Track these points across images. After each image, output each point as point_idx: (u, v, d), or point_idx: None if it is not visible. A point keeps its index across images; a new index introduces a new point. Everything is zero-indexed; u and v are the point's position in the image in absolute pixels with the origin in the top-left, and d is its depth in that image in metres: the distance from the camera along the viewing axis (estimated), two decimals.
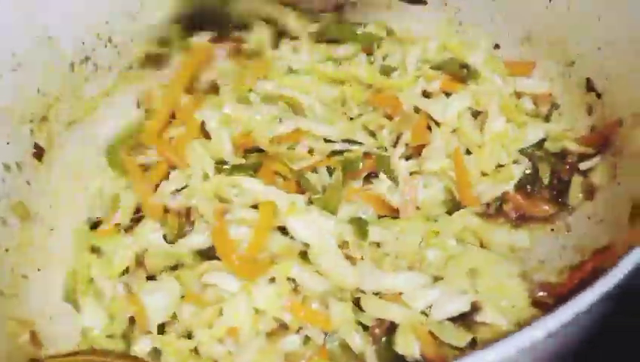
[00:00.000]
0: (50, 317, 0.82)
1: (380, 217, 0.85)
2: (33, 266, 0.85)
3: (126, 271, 0.78)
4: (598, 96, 0.88)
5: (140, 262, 0.76)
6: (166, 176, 0.91)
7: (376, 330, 0.70)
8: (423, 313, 0.71)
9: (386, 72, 1.01)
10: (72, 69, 0.98)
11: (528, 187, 0.86)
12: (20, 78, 0.89)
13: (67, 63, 0.97)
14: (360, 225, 0.78)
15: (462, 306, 0.71)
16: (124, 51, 1.04)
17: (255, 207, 0.78)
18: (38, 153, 0.93)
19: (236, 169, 0.84)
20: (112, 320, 0.74)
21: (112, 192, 0.89)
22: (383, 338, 0.70)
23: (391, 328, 0.71)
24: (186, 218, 0.81)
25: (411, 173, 0.88)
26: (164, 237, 0.81)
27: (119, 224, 0.84)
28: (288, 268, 0.72)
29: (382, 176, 0.87)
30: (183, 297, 0.73)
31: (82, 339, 0.74)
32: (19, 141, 0.90)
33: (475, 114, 0.94)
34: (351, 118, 0.97)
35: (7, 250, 0.82)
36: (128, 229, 0.82)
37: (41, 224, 0.90)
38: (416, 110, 0.94)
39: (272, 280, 0.74)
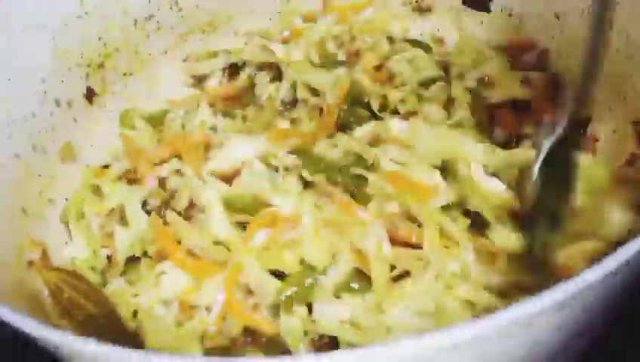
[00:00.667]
0: (66, 242, 0.91)
1: None
2: (61, 194, 0.94)
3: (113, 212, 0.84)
4: None
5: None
6: None
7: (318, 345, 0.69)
8: None
9: None
10: (135, 24, 1.06)
11: None
12: (84, 26, 0.98)
13: (131, 18, 1.05)
14: None
15: None
16: (188, 16, 1.11)
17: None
18: (90, 95, 1.02)
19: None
20: (95, 254, 0.80)
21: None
22: None
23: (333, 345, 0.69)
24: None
25: None
26: None
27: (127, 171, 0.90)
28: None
29: None
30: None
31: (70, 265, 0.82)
32: (73, 82, 0.99)
33: None
34: None
35: (39, 175, 0.91)
36: (132, 182, 0.89)
37: (79, 160, 0.99)
38: None
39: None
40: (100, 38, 1.01)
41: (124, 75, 1.07)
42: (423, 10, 1.10)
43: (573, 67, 0.95)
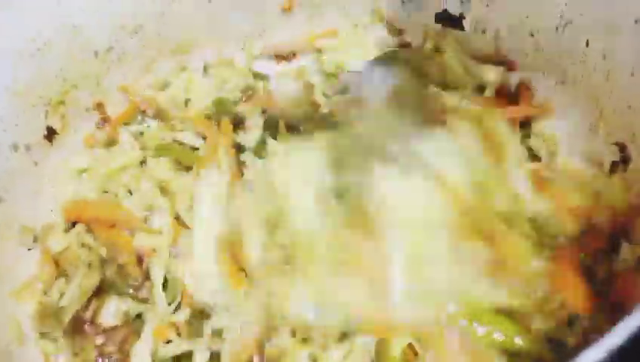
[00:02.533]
0: None
1: None
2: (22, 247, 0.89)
3: None
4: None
5: None
6: None
7: None
8: None
9: None
10: (95, 56, 1.01)
11: None
12: (40, 62, 0.93)
13: (91, 51, 1.00)
14: None
15: None
16: (149, 44, 1.06)
17: None
18: (50, 135, 0.97)
19: None
20: None
21: None
22: None
23: None
24: None
25: None
26: None
27: None
28: None
29: None
30: None
31: None
32: (31, 123, 0.93)
33: None
34: None
35: None
36: None
37: (41, 202, 0.94)
38: None
39: None
40: (56, 75, 0.96)
41: (87, 110, 1.02)
42: None
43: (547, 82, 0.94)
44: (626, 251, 0.73)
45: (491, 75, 0.97)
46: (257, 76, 1.09)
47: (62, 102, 0.98)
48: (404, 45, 1.08)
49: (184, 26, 1.06)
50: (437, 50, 1.01)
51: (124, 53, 1.03)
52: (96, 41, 0.99)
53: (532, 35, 0.94)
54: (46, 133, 0.96)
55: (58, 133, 0.98)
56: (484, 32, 1.02)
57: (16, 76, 0.90)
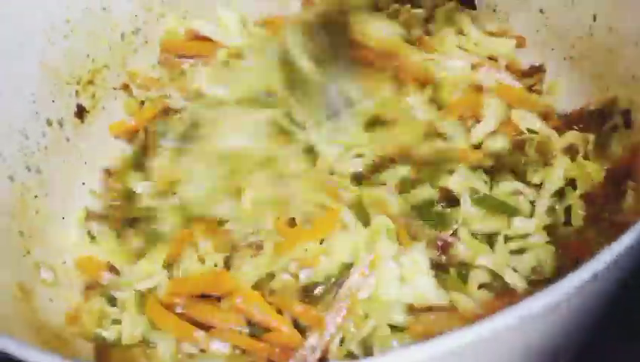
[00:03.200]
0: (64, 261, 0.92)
1: None
2: (58, 213, 0.94)
3: None
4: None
5: None
6: None
7: None
8: None
9: None
10: (122, 38, 1.06)
11: None
12: (71, 44, 0.98)
13: (118, 33, 1.05)
14: None
15: None
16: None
17: None
18: (80, 113, 1.02)
19: None
20: None
21: None
22: None
23: None
24: None
25: None
26: None
27: None
28: None
29: None
30: None
31: None
32: (63, 100, 0.99)
33: None
34: None
35: (35, 196, 0.92)
36: None
37: (74, 177, 1.00)
38: None
39: None
40: (87, 55, 1.02)
41: (114, 89, 1.07)
42: None
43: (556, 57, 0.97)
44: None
45: (502, 47, 0.99)
46: None
47: (91, 82, 1.03)
48: None
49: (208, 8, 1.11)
50: (447, 18, 1.04)
51: (150, 36, 1.08)
52: (123, 23, 1.05)
53: (542, 12, 0.97)
54: (76, 110, 1.01)
55: (88, 111, 1.03)
56: (494, 10, 1.05)
57: (49, 55, 0.95)
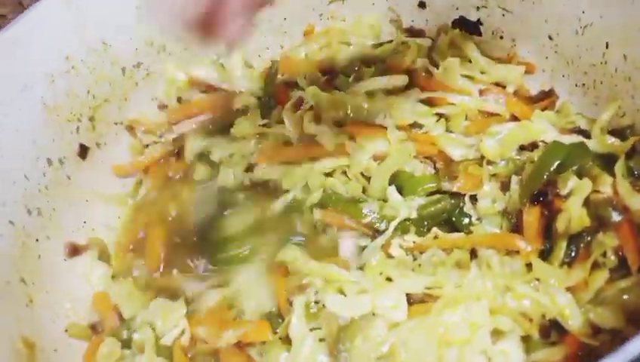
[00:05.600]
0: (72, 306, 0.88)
1: None
2: (60, 256, 0.91)
3: None
4: None
5: None
6: None
7: None
8: None
9: None
10: (123, 73, 1.04)
11: None
12: (72, 81, 0.96)
13: (119, 68, 1.03)
14: None
15: None
16: (177, 60, 1.09)
17: None
18: (83, 152, 0.99)
19: None
20: None
21: None
22: None
23: None
24: None
25: None
26: None
27: None
28: None
29: None
30: None
31: None
32: (64, 138, 0.96)
33: None
34: None
35: (37, 240, 0.89)
36: None
37: (75, 216, 0.97)
38: None
39: None
40: (88, 91, 0.99)
41: (115, 124, 1.05)
42: None
43: (567, 85, 0.96)
44: None
45: (511, 74, 0.97)
46: None
47: (92, 118, 1.01)
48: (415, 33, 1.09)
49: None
50: (452, 45, 1.02)
51: (151, 69, 1.06)
52: (124, 58, 1.03)
53: (551, 39, 0.96)
54: (79, 150, 0.99)
55: (90, 149, 1.01)
56: (501, 37, 1.04)
57: (50, 94, 0.93)
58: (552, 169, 0.80)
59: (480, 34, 1.05)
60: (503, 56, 1.04)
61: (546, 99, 0.98)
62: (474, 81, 0.99)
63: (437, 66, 1.00)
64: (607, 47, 0.86)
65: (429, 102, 0.96)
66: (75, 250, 0.93)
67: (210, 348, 0.78)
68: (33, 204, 0.90)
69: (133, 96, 1.06)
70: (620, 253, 0.74)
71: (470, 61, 1.01)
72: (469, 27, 1.06)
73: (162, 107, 1.07)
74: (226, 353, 0.77)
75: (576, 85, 0.94)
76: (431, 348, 0.72)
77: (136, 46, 1.03)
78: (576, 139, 0.84)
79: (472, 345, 0.71)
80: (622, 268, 0.74)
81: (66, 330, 0.85)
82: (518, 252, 0.78)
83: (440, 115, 0.95)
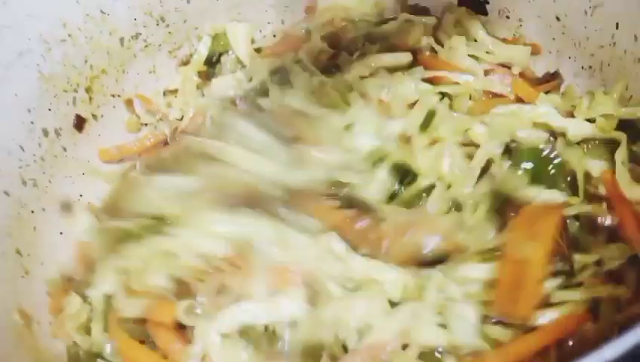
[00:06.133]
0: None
1: None
2: (55, 227, 0.89)
3: None
4: None
5: None
6: None
7: None
8: None
9: None
10: (121, 43, 1.01)
11: None
12: (68, 49, 0.93)
13: (117, 38, 1.00)
14: None
15: None
16: (175, 31, 1.06)
17: None
18: (79, 124, 0.97)
19: None
20: None
21: None
22: None
23: None
24: None
25: None
26: None
27: None
28: None
29: None
30: None
31: None
32: (61, 108, 0.94)
33: None
34: None
35: (32, 211, 0.87)
36: None
37: (70, 189, 0.95)
38: None
39: None
40: (85, 61, 0.97)
41: (113, 96, 1.03)
42: None
43: (573, 67, 0.95)
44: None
45: (517, 55, 0.96)
46: None
47: (89, 89, 0.98)
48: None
49: (210, 12, 1.06)
50: (457, 24, 1.01)
51: (150, 41, 1.04)
52: (122, 28, 1.00)
53: (558, 19, 0.95)
54: (75, 121, 0.96)
55: (86, 120, 0.98)
56: (507, 17, 1.03)
57: (47, 62, 0.90)
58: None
59: (486, 13, 1.03)
60: (509, 36, 1.03)
61: (551, 81, 0.97)
62: (479, 61, 0.97)
63: (442, 45, 0.98)
64: (617, 27, 0.84)
65: (433, 82, 0.95)
66: (68, 207, 0.92)
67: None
68: (29, 175, 0.88)
69: (131, 68, 1.03)
70: None
71: (476, 40, 1.00)
72: (475, 6, 1.04)
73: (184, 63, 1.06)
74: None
75: (582, 68, 0.93)
76: None
77: (135, 16, 1.01)
78: (579, 124, 0.83)
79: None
80: None
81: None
82: None
83: (443, 95, 0.93)
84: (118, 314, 0.74)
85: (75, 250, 0.87)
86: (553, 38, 0.97)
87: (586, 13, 0.89)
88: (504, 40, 1.01)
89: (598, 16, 0.87)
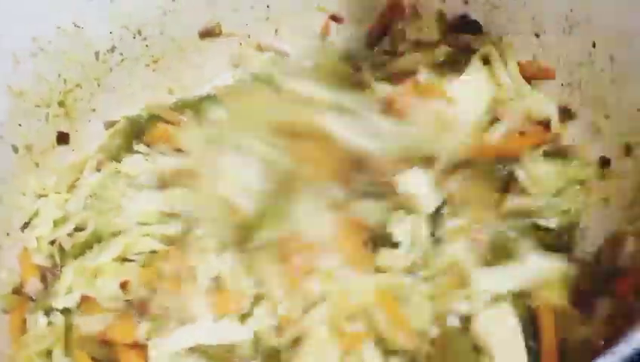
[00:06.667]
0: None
1: None
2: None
3: None
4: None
5: None
6: None
7: None
8: None
9: None
10: (96, 57, 0.99)
11: None
12: (39, 64, 0.92)
13: (92, 52, 0.98)
14: None
15: None
16: (152, 44, 1.05)
17: None
18: (62, 138, 0.96)
19: None
20: None
21: None
22: None
23: None
24: None
25: None
26: None
27: None
28: None
29: None
30: None
31: None
32: (32, 124, 0.92)
33: None
34: None
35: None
36: None
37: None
38: None
39: None
40: (59, 75, 0.95)
41: (89, 111, 1.01)
42: None
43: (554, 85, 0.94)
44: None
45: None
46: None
47: (63, 104, 0.97)
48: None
49: (187, 25, 1.05)
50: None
51: (127, 53, 1.02)
52: (98, 41, 0.98)
53: (537, 36, 0.94)
54: (58, 136, 0.95)
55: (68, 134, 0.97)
56: (487, 33, 1.02)
57: (17, 76, 0.89)
58: None
59: (482, 32, 1.01)
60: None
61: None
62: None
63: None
64: (593, 46, 0.84)
65: None
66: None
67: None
68: None
69: (106, 82, 1.01)
70: None
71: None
72: (470, 29, 1.02)
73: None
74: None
75: (562, 85, 0.92)
76: None
77: (111, 29, 0.99)
78: None
79: None
80: None
81: None
82: None
83: None
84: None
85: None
86: (533, 55, 0.96)
87: (564, 31, 0.88)
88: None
89: (576, 34, 0.86)
